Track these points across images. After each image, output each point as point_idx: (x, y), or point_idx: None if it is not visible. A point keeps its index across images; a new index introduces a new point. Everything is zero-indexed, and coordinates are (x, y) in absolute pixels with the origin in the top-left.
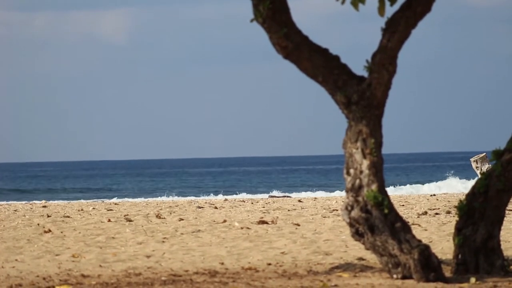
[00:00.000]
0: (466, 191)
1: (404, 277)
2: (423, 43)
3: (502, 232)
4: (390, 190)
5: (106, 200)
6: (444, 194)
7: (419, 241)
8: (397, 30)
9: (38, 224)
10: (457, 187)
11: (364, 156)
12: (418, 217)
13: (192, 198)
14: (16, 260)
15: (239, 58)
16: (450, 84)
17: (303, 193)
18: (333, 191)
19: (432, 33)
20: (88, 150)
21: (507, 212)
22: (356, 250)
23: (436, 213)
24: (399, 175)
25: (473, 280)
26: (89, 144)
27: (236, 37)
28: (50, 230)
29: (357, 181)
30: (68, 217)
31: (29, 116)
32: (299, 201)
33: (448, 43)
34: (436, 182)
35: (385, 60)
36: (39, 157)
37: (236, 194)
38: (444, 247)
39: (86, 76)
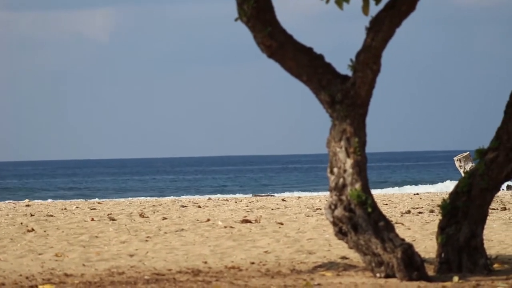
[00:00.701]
0: (450, 190)
1: (387, 276)
2: (418, 43)
3: (485, 231)
4: (394, 190)
5: (89, 199)
6: (428, 193)
7: (402, 240)
8: (381, 29)
9: (21, 223)
10: (441, 186)
11: (348, 155)
12: (401, 216)
13: (176, 197)
14: None
15: (234, 59)
16: (443, 84)
17: (287, 192)
18: (316, 190)
19: (428, 34)
20: (83, 149)
21: (490, 211)
22: (340, 249)
23: (420, 212)
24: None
25: (456, 279)
26: (84, 143)
27: (229, 37)
28: (33, 229)
29: (341, 180)
30: (52, 216)
31: (23, 116)
32: (283, 200)
33: (444, 43)
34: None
35: (369, 59)
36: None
37: (221, 193)
38: (427, 246)
39: (80, 75)
